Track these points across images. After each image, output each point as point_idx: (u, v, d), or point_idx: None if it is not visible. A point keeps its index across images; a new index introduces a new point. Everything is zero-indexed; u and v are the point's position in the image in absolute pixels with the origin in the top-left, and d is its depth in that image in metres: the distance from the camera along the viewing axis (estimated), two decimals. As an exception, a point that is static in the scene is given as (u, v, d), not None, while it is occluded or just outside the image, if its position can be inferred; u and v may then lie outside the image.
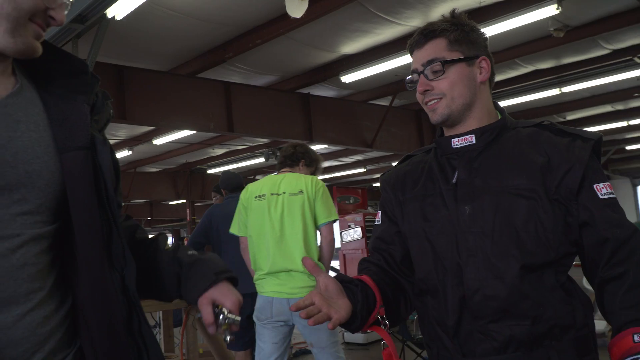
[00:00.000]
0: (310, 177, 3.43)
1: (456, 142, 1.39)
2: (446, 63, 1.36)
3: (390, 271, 1.45)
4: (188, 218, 14.28)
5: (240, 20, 5.29)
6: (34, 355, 0.97)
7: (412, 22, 5.36)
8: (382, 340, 1.33)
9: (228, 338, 1.13)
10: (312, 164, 3.58)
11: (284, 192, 3.34)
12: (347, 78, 6.61)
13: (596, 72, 7.09)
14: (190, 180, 13.93)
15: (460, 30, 1.39)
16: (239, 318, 1.14)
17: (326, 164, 13.01)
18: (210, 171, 13.45)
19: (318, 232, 3.42)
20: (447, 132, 1.44)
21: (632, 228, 1.27)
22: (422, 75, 1.39)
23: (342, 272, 7.99)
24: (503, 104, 7.75)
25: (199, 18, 5.13)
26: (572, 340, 1.26)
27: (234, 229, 3.57)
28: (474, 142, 1.37)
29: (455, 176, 1.37)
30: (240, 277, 1.34)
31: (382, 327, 1.33)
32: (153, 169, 13.58)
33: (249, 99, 7.10)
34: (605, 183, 1.29)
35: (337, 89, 7.77)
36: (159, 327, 4.90)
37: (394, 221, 1.50)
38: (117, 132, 9.03)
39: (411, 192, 1.46)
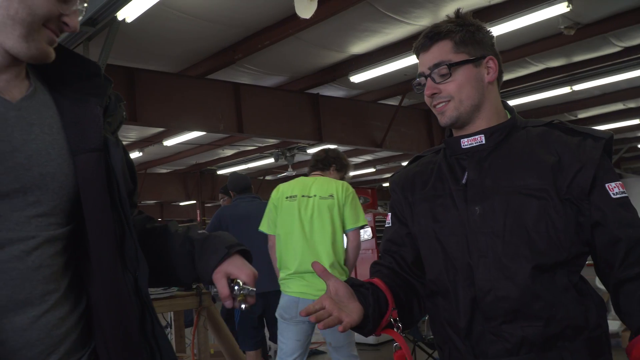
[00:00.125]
0: (341, 182, 3.51)
1: (465, 143, 1.38)
2: (453, 66, 1.35)
3: (402, 273, 1.45)
4: (198, 219, 14.33)
5: (250, 21, 5.30)
6: (49, 357, 0.98)
7: (421, 21, 5.34)
8: (393, 340, 1.33)
9: (243, 306, 1.12)
10: (342, 169, 3.67)
11: (315, 195, 3.42)
12: (357, 78, 6.60)
13: (607, 69, 7.03)
14: (201, 181, 13.99)
15: (465, 30, 1.37)
16: (254, 289, 1.13)
17: (336, 164, 12.99)
18: (220, 172, 13.49)
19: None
20: (456, 133, 1.43)
21: None
22: (429, 78, 1.38)
23: (352, 272, 7.98)
24: (513, 102, 7.75)
25: (209, 20, 5.14)
26: (585, 341, 1.25)
27: (263, 227, 3.64)
28: (484, 142, 1.36)
29: (465, 176, 1.36)
30: None
31: (395, 329, 1.33)
32: (163, 170, 13.65)
33: (259, 99, 7.12)
34: (617, 182, 1.28)
35: (347, 89, 7.76)
36: (170, 328, 4.91)
37: (404, 223, 1.50)
38: (127, 133, 9.08)
39: (421, 193, 1.45)
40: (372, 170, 14.17)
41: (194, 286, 3.65)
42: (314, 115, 7.70)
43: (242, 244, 1.20)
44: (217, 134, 8.84)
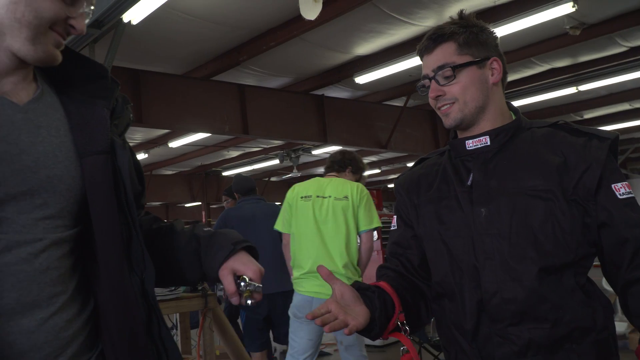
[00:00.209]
0: (356, 184, 3.55)
1: (470, 144, 1.38)
2: (457, 68, 1.34)
3: (409, 276, 1.44)
4: (204, 220, 14.35)
5: (255, 22, 5.31)
6: (57, 359, 0.98)
7: (426, 22, 5.34)
8: (399, 342, 1.33)
9: (249, 302, 1.12)
10: (357, 171, 3.72)
11: (330, 196, 3.47)
12: (361, 79, 6.60)
13: (613, 70, 7.00)
14: (206, 183, 14.01)
15: (469, 32, 1.37)
16: (261, 285, 1.13)
17: (341, 165, 12.99)
18: (225, 173, 13.51)
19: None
20: (461, 134, 1.43)
21: None
22: (433, 80, 1.37)
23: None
24: (519, 103, 7.73)
25: (214, 21, 5.15)
26: (592, 343, 1.24)
27: (278, 226, 3.69)
28: (489, 143, 1.36)
29: (470, 178, 1.36)
30: None
31: (403, 332, 1.32)
32: (169, 172, 13.68)
33: (264, 101, 7.13)
34: (624, 182, 1.28)
35: (351, 90, 7.76)
36: (176, 329, 4.92)
37: (409, 225, 1.49)
38: (133, 135, 9.11)
39: (426, 195, 1.45)
40: (377, 171, 14.16)
41: (200, 287, 3.65)
42: (318, 116, 7.70)
43: (248, 240, 1.20)
44: (222, 136, 8.85)
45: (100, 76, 1.13)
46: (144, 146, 10.08)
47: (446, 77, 1.35)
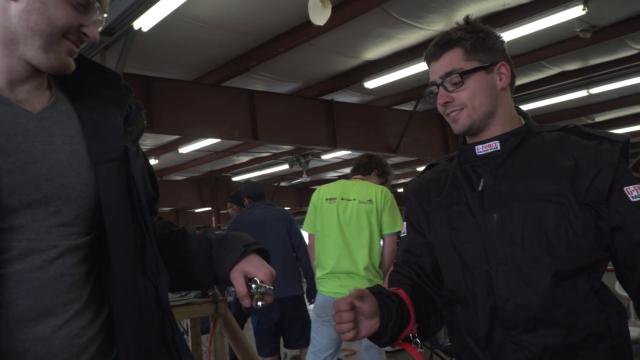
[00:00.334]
0: (380, 187, 3.59)
1: (480, 149, 1.37)
2: (465, 74, 1.34)
3: (423, 285, 1.43)
4: (214, 225, 14.38)
5: (264, 29, 5.33)
6: None
7: (436, 26, 5.33)
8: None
9: (260, 304, 1.11)
10: (383, 175, 3.78)
11: (354, 199, 3.51)
12: (371, 84, 6.60)
13: (624, 72, 6.95)
14: (216, 188, 14.05)
15: (476, 37, 1.36)
16: (272, 287, 1.13)
17: (350, 169, 12.99)
18: (235, 179, 13.54)
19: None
20: (470, 140, 1.42)
21: None
22: (441, 87, 1.37)
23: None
24: (529, 106, 7.69)
25: (223, 28, 5.18)
26: (607, 349, 1.23)
27: (305, 226, 3.79)
28: (499, 148, 1.35)
29: (481, 183, 1.35)
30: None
31: (414, 345, 1.32)
32: (179, 177, 13.73)
33: (273, 106, 7.14)
34: (636, 185, 1.26)
35: (361, 94, 7.76)
36: (187, 335, 4.93)
37: (420, 232, 1.49)
38: (143, 141, 9.15)
39: (436, 201, 1.44)
40: (387, 175, 14.12)
41: (210, 293, 3.66)
42: (328, 121, 7.70)
43: (259, 242, 1.20)
44: (232, 141, 8.88)
45: (113, 83, 1.14)
46: (155, 152, 10.13)
47: (454, 84, 1.35)
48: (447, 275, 1.40)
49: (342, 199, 3.54)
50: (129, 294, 1.06)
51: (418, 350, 1.31)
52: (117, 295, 1.07)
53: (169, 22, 4.52)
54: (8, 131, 0.95)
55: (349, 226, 3.47)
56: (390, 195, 3.55)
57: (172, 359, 1.10)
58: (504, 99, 1.38)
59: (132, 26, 4.26)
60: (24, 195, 0.95)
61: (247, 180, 5.10)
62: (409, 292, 1.37)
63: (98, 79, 1.13)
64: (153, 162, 10.49)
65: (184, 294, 3.57)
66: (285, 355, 5.40)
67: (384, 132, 8.29)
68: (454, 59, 1.36)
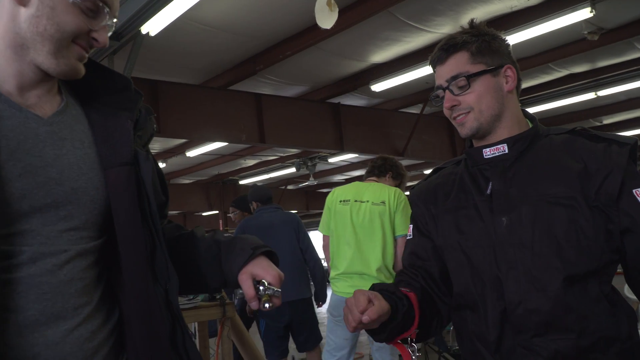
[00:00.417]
0: (394, 189, 3.62)
1: (488, 152, 1.36)
2: (471, 77, 1.33)
3: (429, 291, 1.42)
4: (221, 228, 14.40)
5: (271, 32, 5.34)
6: None
7: (443, 29, 5.33)
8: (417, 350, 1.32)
9: (267, 305, 1.11)
10: (398, 177, 3.81)
11: (368, 201, 3.56)
12: (378, 87, 6.60)
13: (632, 74, 6.92)
14: (223, 191, 14.07)
15: (481, 40, 1.36)
16: (280, 290, 1.12)
17: (357, 172, 12.99)
18: (242, 182, 13.56)
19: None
20: (477, 143, 1.41)
21: None
22: (447, 91, 1.36)
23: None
24: (537, 109, 7.66)
25: (230, 32, 5.19)
26: (617, 353, 1.22)
27: (319, 228, 3.84)
28: (507, 151, 1.34)
29: (490, 187, 1.34)
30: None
31: (410, 349, 1.30)
32: (186, 181, 13.77)
33: (280, 110, 7.15)
34: None
35: (368, 98, 7.76)
36: (195, 338, 4.94)
37: (427, 235, 1.48)
38: (151, 145, 9.07)
39: (443, 205, 1.43)
40: (394, 178, 14.09)
41: (218, 296, 3.67)
42: (335, 124, 7.70)
43: (267, 245, 1.20)
44: (239, 145, 8.89)
45: (123, 88, 1.14)
46: (162, 156, 10.16)
47: (460, 87, 1.34)
48: (456, 279, 1.39)
49: (356, 200, 3.59)
50: (139, 298, 1.06)
51: (412, 357, 1.29)
52: (127, 300, 1.07)
53: (176, 26, 4.54)
54: (18, 136, 0.95)
55: (362, 228, 3.51)
56: (403, 196, 3.57)
57: None
58: (510, 101, 1.38)
59: (139, 30, 4.29)
60: (35, 199, 0.95)
61: (255, 185, 5.13)
62: (419, 297, 1.36)
63: (108, 83, 1.13)
64: (161, 165, 10.45)
65: (191, 297, 3.58)
66: (293, 358, 5.40)
67: (391, 135, 8.28)
68: (459, 63, 1.35)
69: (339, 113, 7.71)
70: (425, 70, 5.95)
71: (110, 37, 1.07)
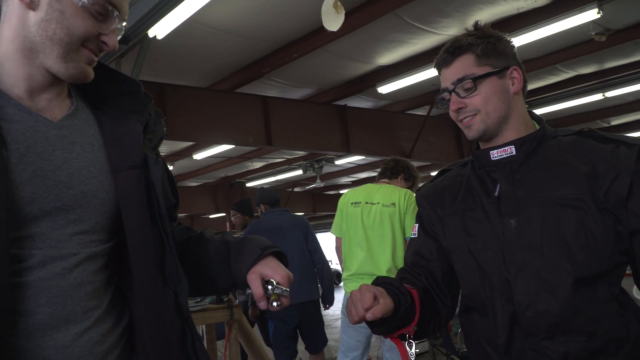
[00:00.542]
0: (404, 190, 3.66)
1: (495, 154, 1.35)
2: (477, 79, 1.33)
3: (431, 291, 1.42)
4: (228, 231, 14.40)
5: (277, 35, 5.35)
6: None
7: (449, 30, 5.32)
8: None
9: (275, 304, 1.11)
10: (410, 179, 3.84)
11: (378, 203, 3.60)
12: (384, 89, 6.60)
13: (640, 75, 6.90)
14: (230, 194, 14.09)
15: (486, 42, 1.35)
16: (288, 289, 1.12)
17: (364, 174, 12.99)
18: (249, 184, 13.58)
19: None
20: (484, 145, 1.40)
21: None
22: (453, 93, 1.36)
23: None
24: (545, 110, 7.64)
25: (237, 35, 5.21)
26: (628, 355, 1.22)
27: (332, 230, 3.90)
28: (514, 153, 1.34)
29: (498, 189, 1.33)
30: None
31: (407, 345, 1.30)
32: (193, 183, 13.80)
33: (287, 112, 7.17)
34: None
35: (374, 99, 7.76)
36: (202, 340, 4.95)
37: (432, 236, 1.47)
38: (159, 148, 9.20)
39: (450, 207, 1.42)
40: (401, 180, 14.07)
41: (225, 299, 3.67)
42: (342, 126, 7.71)
43: (276, 246, 1.20)
44: (246, 147, 8.92)
45: (133, 91, 1.14)
46: (169, 158, 10.19)
47: (466, 89, 1.34)
48: (464, 282, 1.39)
49: (367, 202, 3.63)
50: (149, 301, 1.06)
51: (410, 352, 1.29)
52: (137, 303, 1.07)
53: (183, 29, 4.56)
54: (28, 140, 0.96)
55: (372, 229, 3.54)
56: (414, 198, 3.58)
57: None
58: (517, 103, 1.37)
59: (147, 34, 4.31)
60: (45, 203, 0.95)
61: (263, 188, 5.16)
62: (421, 296, 1.35)
63: (118, 87, 1.13)
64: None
65: (199, 299, 3.58)
66: (301, 360, 5.40)
67: (398, 137, 8.28)
68: (465, 65, 1.35)
69: (345, 115, 7.71)
70: (432, 72, 5.92)
71: (118, 41, 1.07)
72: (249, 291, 1.16)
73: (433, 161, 9.23)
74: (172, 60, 5.76)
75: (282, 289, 1.11)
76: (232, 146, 8.39)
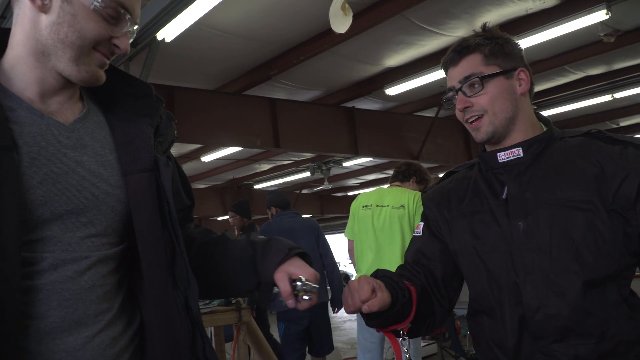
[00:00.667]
0: (414, 192, 3.71)
1: (502, 156, 1.35)
2: (484, 78, 1.32)
3: (429, 291, 1.42)
4: (236, 233, 14.43)
5: (285, 37, 5.35)
6: None
7: (457, 32, 5.30)
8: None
9: (306, 297, 1.12)
10: (422, 182, 3.90)
11: (388, 205, 3.67)
12: (392, 90, 6.58)
13: (649, 76, 6.85)
14: (238, 196, 14.10)
15: (494, 43, 1.35)
16: (317, 286, 1.13)
17: (372, 176, 12.96)
18: (257, 186, 13.59)
19: None
20: (491, 147, 1.40)
21: None
22: (460, 92, 1.35)
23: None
24: (553, 111, 7.60)
25: (245, 37, 5.22)
26: (637, 357, 1.21)
27: (345, 233, 3.99)
28: (522, 155, 1.33)
29: (505, 191, 1.32)
30: None
31: (401, 341, 1.30)
32: (201, 186, 13.82)
33: (295, 114, 7.17)
34: None
35: (382, 101, 7.74)
36: (211, 343, 4.96)
37: (437, 237, 1.47)
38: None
39: (457, 210, 1.42)
40: (409, 182, 14.04)
41: (233, 301, 3.68)
42: (349, 128, 7.70)
43: (302, 247, 1.21)
44: (254, 149, 8.92)
45: (144, 94, 1.14)
46: (178, 161, 10.20)
47: (473, 88, 1.33)
48: (472, 284, 1.38)
49: (377, 205, 3.69)
50: (159, 305, 1.06)
51: (403, 349, 1.29)
52: (147, 306, 1.07)
53: (191, 32, 4.57)
54: (40, 143, 0.96)
55: (382, 231, 3.60)
56: None
57: None
58: (524, 104, 1.36)
59: (155, 37, 4.32)
60: (56, 206, 0.96)
61: (273, 191, 5.20)
62: (419, 293, 1.35)
63: (129, 89, 1.14)
64: (177, 170, 10.54)
65: (207, 302, 3.60)
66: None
67: (406, 139, 8.26)
68: (472, 64, 1.35)
69: (353, 117, 7.70)
70: (440, 73, 5.92)
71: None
72: (277, 290, 1.17)
73: (441, 163, 9.20)
74: (180, 63, 5.78)
75: (311, 285, 1.13)
76: (240, 148, 8.40)
